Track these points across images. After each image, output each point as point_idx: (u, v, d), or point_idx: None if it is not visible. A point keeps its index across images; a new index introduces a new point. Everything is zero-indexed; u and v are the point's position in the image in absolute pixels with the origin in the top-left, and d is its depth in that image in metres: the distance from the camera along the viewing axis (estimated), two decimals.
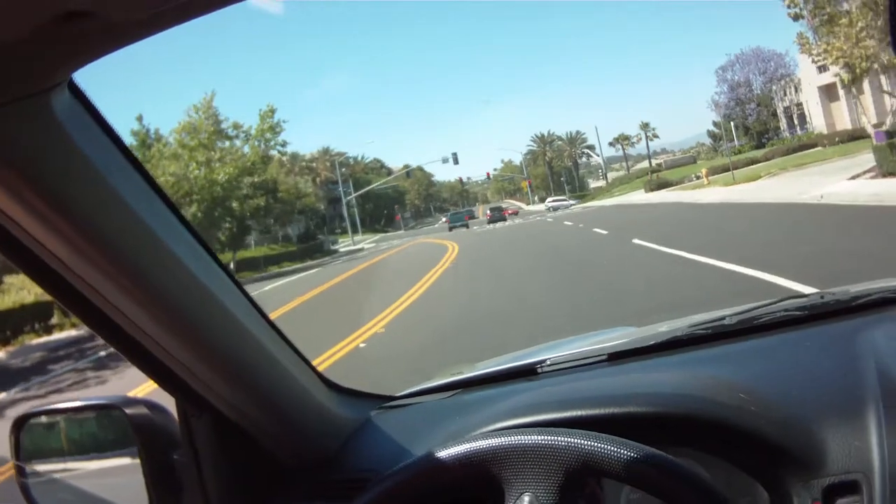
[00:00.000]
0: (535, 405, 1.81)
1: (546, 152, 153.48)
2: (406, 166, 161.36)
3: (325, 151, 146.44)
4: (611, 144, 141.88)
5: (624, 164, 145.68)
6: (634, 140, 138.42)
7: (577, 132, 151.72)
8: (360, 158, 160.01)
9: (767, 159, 61.61)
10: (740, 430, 1.60)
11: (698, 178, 63.48)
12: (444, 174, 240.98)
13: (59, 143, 1.18)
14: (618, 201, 71.04)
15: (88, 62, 1.08)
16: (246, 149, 60.93)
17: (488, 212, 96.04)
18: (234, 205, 58.16)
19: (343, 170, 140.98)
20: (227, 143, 59.56)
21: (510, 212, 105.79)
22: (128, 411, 1.80)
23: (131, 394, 2.12)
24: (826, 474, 1.51)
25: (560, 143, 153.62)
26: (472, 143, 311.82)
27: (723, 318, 2.17)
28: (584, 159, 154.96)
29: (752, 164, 58.74)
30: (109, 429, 1.95)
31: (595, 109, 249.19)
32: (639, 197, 67.01)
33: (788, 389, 1.69)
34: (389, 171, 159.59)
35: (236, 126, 60.95)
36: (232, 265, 55.98)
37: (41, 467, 2.01)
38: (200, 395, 1.62)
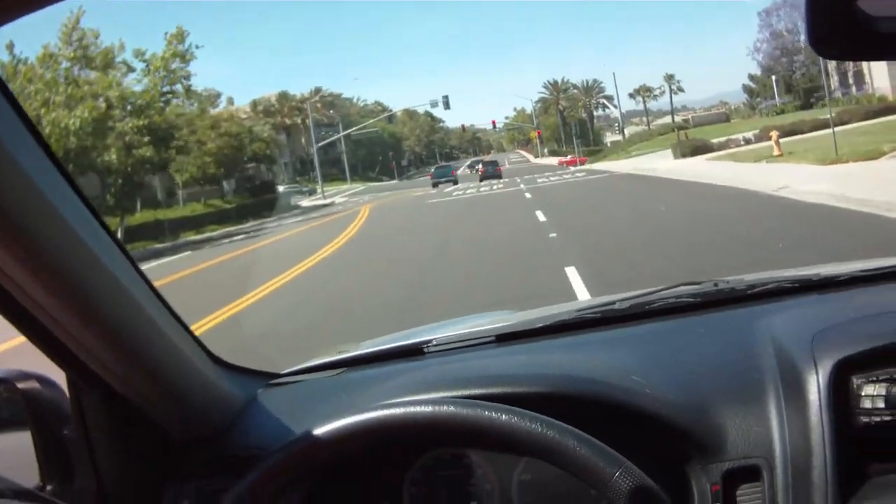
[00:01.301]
0: (422, 384, 1.79)
1: (559, 101, 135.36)
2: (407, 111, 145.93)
3: (318, 91, 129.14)
4: (631, 96, 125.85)
5: (644, 118, 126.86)
6: (657, 92, 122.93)
7: (595, 80, 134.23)
8: (356, 100, 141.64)
9: (843, 122, 41.26)
10: (633, 411, 1.59)
11: (748, 141, 44.42)
12: (454, 120, 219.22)
13: None
14: (636, 166, 49.01)
15: None
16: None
17: (480, 167, 78.96)
18: (112, 156, 42.11)
19: (331, 111, 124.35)
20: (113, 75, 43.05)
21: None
22: (19, 386, 1.75)
23: None
24: (725, 458, 1.52)
25: (575, 91, 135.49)
26: (485, 88, 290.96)
27: (612, 302, 2.13)
28: (600, 111, 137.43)
29: (818, 130, 39.90)
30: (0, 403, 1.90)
31: (613, 58, 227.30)
32: (666, 164, 43.06)
33: (683, 373, 1.67)
34: (393, 116, 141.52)
35: (138, 53, 45.27)
36: (119, 233, 39.66)
37: None
38: (90, 368, 1.55)
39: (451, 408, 1.38)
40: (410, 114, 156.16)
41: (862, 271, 2.10)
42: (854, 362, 1.55)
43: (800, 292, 2.04)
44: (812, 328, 1.66)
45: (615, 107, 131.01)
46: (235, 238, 40.84)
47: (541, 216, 24.17)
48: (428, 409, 1.39)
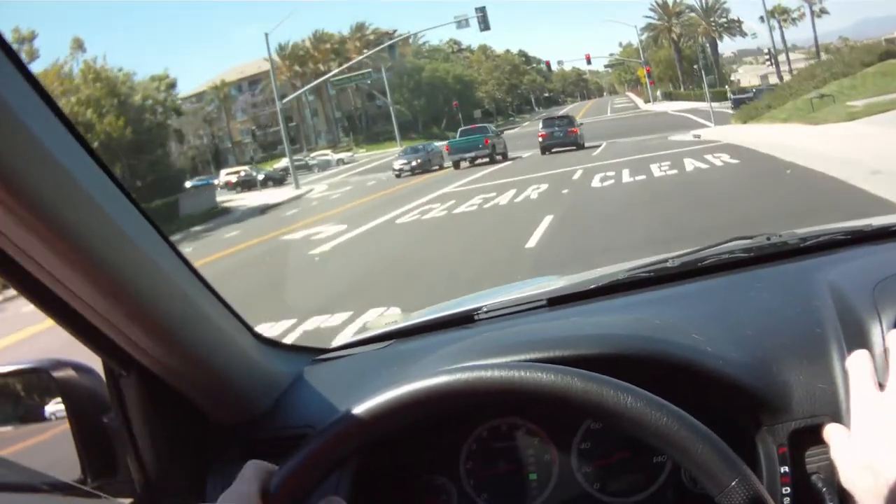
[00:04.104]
0: (475, 350, 1.66)
1: (671, 28, 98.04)
2: (447, 44, 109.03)
3: (360, 28, 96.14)
4: (762, 20, 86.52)
5: (765, 54, 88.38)
6: (796, 15, 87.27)
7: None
8: (415, 38, 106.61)
9: None
10: (697, 370, 1.48)
11: None
12: (552, 58, 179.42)
13: None
14: None
15: None
16: None
17: (541, 129, 44.69)
18: None
19: (383, 54, 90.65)
20: None
21: None
22: (55, 374, 1.65)
23: None
24: (791, 418, 1.42)
25: (692, 15, 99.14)
26: (580, 16, 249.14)
27: (665, 260, 2.03)
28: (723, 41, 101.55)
29: None
30: (36, 394, 1.77)
31: None
32: None
33: (743, 330, 1.56)
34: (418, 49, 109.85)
35: None
36: None
37: None
38: (127, 352, 1.46)
39: (576, 379, 1.17)
40: (487, 52, 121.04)
41: None
42: None
43: (854, 243, 1.92)
44: (872, 278, 1.55)
45: (744, 34, 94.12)
46: None
47: None
48: (527, 373, 1.19)
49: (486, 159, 41.52)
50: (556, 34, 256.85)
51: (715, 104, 53.10)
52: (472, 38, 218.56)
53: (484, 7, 49.55)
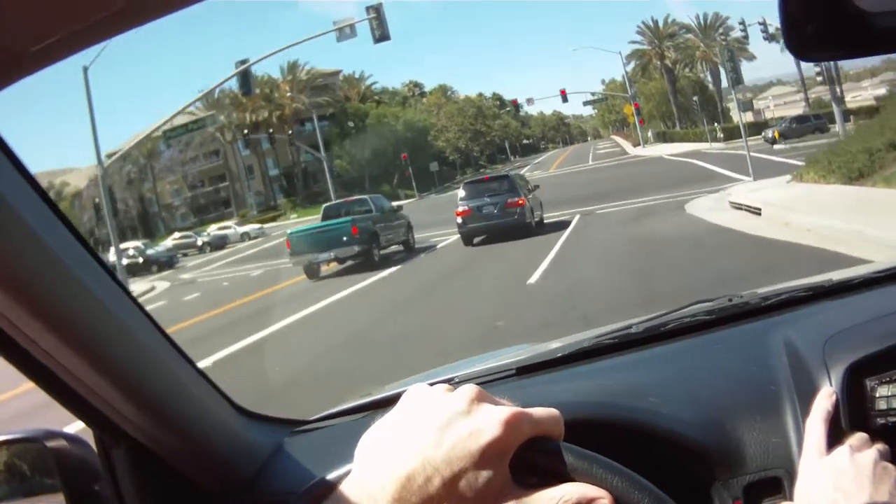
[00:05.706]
0: None
1: (663, 53, 79.87)
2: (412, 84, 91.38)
3: (292, 69, 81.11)
4: (767, 39, 67.53)
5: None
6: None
7: (717, 15, 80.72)
8: (361, 78, 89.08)
9: None
10: (651, 431, 1.56)
11: None
12: (528, 96, 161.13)
13: None
14: None
15: None
16: None
17: (461, 201, 24.58)
18: None
19: (321, 98, 72.20)
20: None
21: None
22: (48, 444, 1.67)
23: None
24: (745, 472, 1.49)
25: (689, 36, 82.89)
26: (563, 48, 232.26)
27: (629, 326, 2.10)
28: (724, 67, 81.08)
29: None
30: (30, 464, 1.78)
31: None
32: None
33: (700, 391, 1.66)
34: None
35: None
36: None
37: None
38: (116, 424, 1.51)
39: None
40: (448, 94, 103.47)
41: (874, 272, 2.07)
42: (867, 365, 1.51)
43: (813, 300, 2.00)
44: (824, 334, 1.63)
45: (751, 57, 76.43)
46: None
47: None
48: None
49: (360, 258, 22.86)
50: (530, 73, 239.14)
51: (718, 145, 42.58)
52: (433, 78, 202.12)
53: (379, 5, 28.56)
